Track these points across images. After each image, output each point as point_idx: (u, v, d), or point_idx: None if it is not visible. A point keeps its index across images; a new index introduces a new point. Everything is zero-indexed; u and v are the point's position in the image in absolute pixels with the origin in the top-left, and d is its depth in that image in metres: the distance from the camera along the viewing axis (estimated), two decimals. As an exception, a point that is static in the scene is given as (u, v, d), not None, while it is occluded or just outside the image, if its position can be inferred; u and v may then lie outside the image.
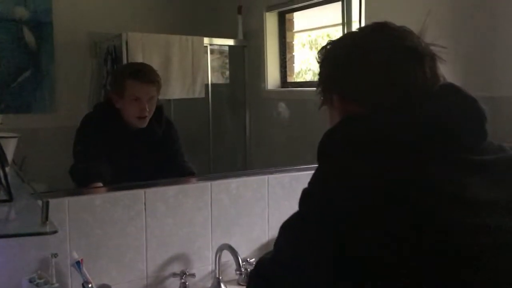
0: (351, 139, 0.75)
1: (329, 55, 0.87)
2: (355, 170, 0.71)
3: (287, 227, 0.78)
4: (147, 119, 1.75)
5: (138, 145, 1.77)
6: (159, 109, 1.79)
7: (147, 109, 1.73)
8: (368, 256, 0.65)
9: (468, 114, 0.77)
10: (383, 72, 0.79)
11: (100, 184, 1.52)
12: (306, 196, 0.75)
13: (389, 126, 0.74)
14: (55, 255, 1.24)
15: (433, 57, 0.81)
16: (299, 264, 0.73)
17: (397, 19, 0.86)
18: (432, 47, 0.81)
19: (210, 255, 1.51)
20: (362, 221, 0.67)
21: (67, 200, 1.30)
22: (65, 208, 1.30)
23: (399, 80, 0.78)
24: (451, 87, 0.80)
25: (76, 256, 1.27)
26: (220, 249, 1.45)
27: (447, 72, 0.84)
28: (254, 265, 0.90)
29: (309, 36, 2.77)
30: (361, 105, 0.80)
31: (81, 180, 1.60)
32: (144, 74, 1.76)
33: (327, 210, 0.70)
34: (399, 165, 0.70)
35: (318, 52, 0.90)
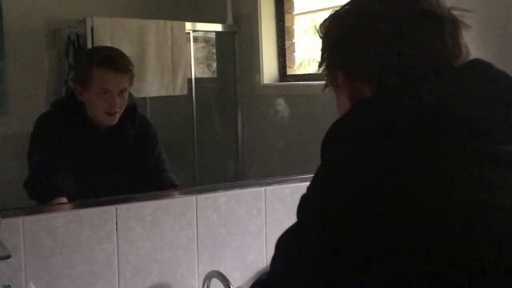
0: (359, 130, 0.76)
1: (332, 26, 0.89)
2: (362, 165, 0.71)
3: (284, 241, 0.79)
4: (117, 116, 1.74)
5: (107, 147, 1.77)
6: (132, 106, 1.79)
7: (118, 104, 1.72)
8: (379, 273, 0.66)
9: (501, 96, 0.76)
10: (394, 43, 0.80)
11: (64, 200, 1.52)
12: (305, 202, 0.76)
13: (400, 112, 0.74)
14: (7, 287, 1.23)
15: (455, 23, 0.81)
16: (299, 284, 0.73)
17: None
18: (453, 11, 0.82)
19: (196, 284, 1.51)
20: (372, 228, 0.67)
21: (21, 220, 1.30)
22: (19, 230, 1.29)
23: (412, 52, 0.79)
24: (479, 63, 0.80)
25: (33, 287, 1.26)
26: (208, 278, 1.45)
27: (473, 44, 0.83)
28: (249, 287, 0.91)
29: (312, 19, 2.78)
30: (369, 83, 0.82)
31: (39, 195, 1.60)
32: (115, 61, 1.75)
33: (330, 214, 0.70)
34: (412, 160, 0.70)
35: (320, 24, 0.91)
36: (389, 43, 0.80)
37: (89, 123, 1.74)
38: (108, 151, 1.77)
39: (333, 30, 0.88)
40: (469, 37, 0.83)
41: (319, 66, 0.91)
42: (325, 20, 0.91)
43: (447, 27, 0.80)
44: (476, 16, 0.86)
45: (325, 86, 0.92)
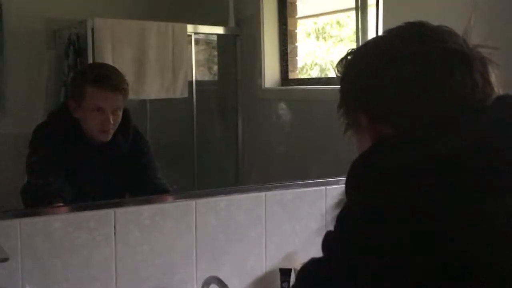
0: (388, 170, 0.73)
1: (352, 67, 0.86)
2: (400, 208, 0.69)
3: (307, 272, 0.77)
4: (111, 132, 1.77)
5: (101, 161, 1.80)
6: (125, 117, 1.81)
7: (111, 122, 1.74)
8: None
9: None
10: (419, 84, 0.77)
11: (61, 203, 1.52)
12: (331, 240, 0.74)
13: (439, 151, 0.71)
14: (3, 290, 1.23)
15: (483, 61, 0.79)
16: None
17: (432, 15, 0.84)
18: (480, 49, 0.79)
19: (195, 290, 1.51)
20: (410, 277, 0.66)
21: (18, 222, 1.30)
22: (16, 233, 1.29)
23: (440, 93, 0.77)
24: (509, 98, 0.78)
25: (29, 291, 1.26)
26: (207, 283, 1.44)
27: (502, 80, 0.81)
28: None
29: (315, 23, 2.79)
30: (394, 126, 0.79)
31: (37, 199, 1.60)
32: (109, 81, 1.77)
33: (363, 260, 0.69)
34: (454, 202, 0.68)
35: (337, 64, 0.88)
36: (415, 84, 0.78)
37: (83, 138, 1.76)
38: (101, 164, 1.80)
39: (353, 70, 0.86)
40: (497, 74, 0.81)
41: (339, 108, 0.88)
42: (342, 59, 0.88)
43: (476, 65, 0.77)
44: (504, 53, 0.84)
45: (346, 129, 0.88)
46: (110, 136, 1.77)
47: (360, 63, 0.85)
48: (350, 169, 0.78)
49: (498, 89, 0.80)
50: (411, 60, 0.78)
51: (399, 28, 0.85)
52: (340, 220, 0.74)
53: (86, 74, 1.91)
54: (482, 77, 0.78)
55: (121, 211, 1.42)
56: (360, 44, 2.20)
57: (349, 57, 0.87)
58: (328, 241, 0.75)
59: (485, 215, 0.67)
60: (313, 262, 0.77)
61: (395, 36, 0.83)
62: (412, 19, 0.85)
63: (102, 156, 1.79)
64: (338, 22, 2.70)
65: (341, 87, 0.88)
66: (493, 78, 0.79)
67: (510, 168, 0.71)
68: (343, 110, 0.87)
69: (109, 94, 1.76)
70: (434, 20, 0.84)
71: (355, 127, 0.86)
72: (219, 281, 1.40)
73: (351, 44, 2.49)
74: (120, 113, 1.78)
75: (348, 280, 0.70)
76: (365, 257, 0.68)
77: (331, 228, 0.76)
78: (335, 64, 0.90)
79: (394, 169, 0.73)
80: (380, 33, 1.81)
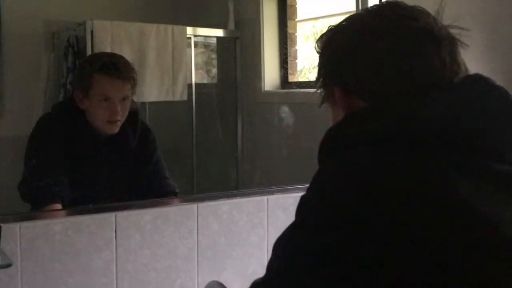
0: (358, 138, 0.77)
1: (329, 42, 0.89)
2: (365, 169, 0.72)
3: (279, 243, 0.79)
4: (119, 124, 1.72)
5: (107, 156, 1.75)
6: (134, 113, 1.77)
7: (119, 112, 1.70)
8: (372, 282, 0.67)
9: (499, 110, 0.77)
10: (392, 60, 0.81)
11: (59, 206, 1.51)
12: (304, 203, 0.76)
13: (403, 124, 0.75)
14: (3, 295, 1.22)
15: (452, 41, 0.82)
16: (293, 283, 0.74)
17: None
18: (451, 30, 0.83)
19: (196, 294, 1.50)
20: (370, 235, 0.68)
21: (18, 226, 1.29)
22: (16, 236, 1.28)
23: (410, 69, 0.80)
24: (477, 78, 0.81)
25: (29, 296, 1.26)
26: (208, 288, 1.44)
27: (470, 61, 0.84)
28: None
29: (314, 26, 2.79)
30: (367, 99, 0.82)
31: (34, 200, 1.58)
32: (117, 68, 1.72)
33: (329, 217, 0.71)
34: (415, 173, 0.71)
35: (317, 40, 0.92)
36: (387, 60, 0.81)
37: (90, 130, 1.72)
38: (108, 159, 1.76)
39: (330, 46, 0.89)
40: (467, 55, 0.85)
41: (316, 81, 0.92)
42: (322, 36, 0.92)
43: (445, 45, 0.81)
44: (472, 34, 0.87)
45: (322, 101, 0.93)
46: (117, 128, 1.72)
47: (337, 39, 0.88)
48: (323, 138, 0.82)
49: (466, 69, 0.83)
50: (384, 37, 0.82)
51: (375, 6, 0.90)
52: (312, 185, 0.77)
53: (94, 62, 1.84)
54: (450, 56, 0.81)
55: (122, 215, 1.40)
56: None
57: (328, 34, 0.91)
58: (302, 205, 0.77)
59: (450, 190, 0.70)
60: (284, 232, 0.78)
61: (371, 14, 0.88)
62: None
63: (109, 150, 1.75)
64: (337, 25, 2.70)
65: (319, 62, 0.92)
66: (460, 57, 0.83)
67: (471, 145, 0.74)
68: (320, 84, 0.91)
69: (117, 82, 1.71)
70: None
71: (330, 99, 0.90)
72: (220, 286, 1.39)
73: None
74: (128, 104, 1.73)
75: (322, 242, 0.71)
76: (336, 219, 0.70)
77: None
78: (315, 41, 0.93)
79: (364, 136, 0.77)
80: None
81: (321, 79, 0.91)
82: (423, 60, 0.80)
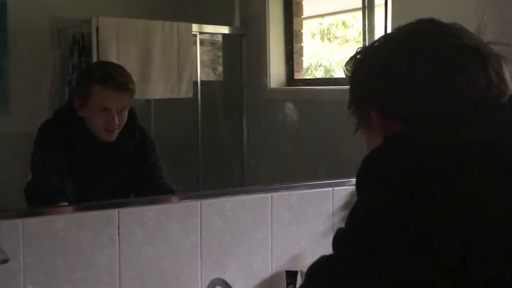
0: (402, 164, 0.73)
1: (362, 65, 0.85)
2: (410, 206, 0.68)
3: (317, 270, 0.76)
4: (117, 132, 1.77)
5: (106, 160, 1.79)
6: (131, 117, 1.80)
7: (117, 122, 1.73)
8: None
9: None
10: (435, 79, 0.77)
11: (65, 203, 1.51)
12: (343, 236, 0.73)
13: (453, 146, 0.71)
14: (5, 291, 1.22)
15: (497, 58, 0.78)
16: None
17: (441, 15, 0.83)
18: (494, 46, 0.79)
19: (199, 292, 1.49)
20: (422, 273, 0.65)
21: (21, 222, 1.29)
22: (18, 232, 1.28)
23: (455, 89, 0.76)
24: None
25: (32, 292, 1.25)
26: (212, 285, 1.43)
27: None
28: None
29: (320, 24, 2.78)
30: (408, 122, 0.78)
31: (40, 199, 1.59)
32: (116, 80, 1.76)
33: (369, 256, 0.68)
34: (456, 202, 0.67)
35: (347, 63, 0.88)
36: (429, 80, 0.77)
37: (89, 136, 1.75)
38: (106, 163, 1.79)
39: (363, 68, 0.85)
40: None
41: (349, 107, 0.87)
42: (351, 58, 0.87)
43: (490, 62, 0.77)
44: None
45: (357, 128, 0.88)
46: (115, 136, 1.76)
47: (370, 61, 0.84)
48: (362, 165, 0.78)
49: None
50: (424, 56, 0.78)
51: (410, 24, 0.84)
52: (353, 217, 0.73)
53: (93, 73, 1.89)
54: (497, 74, 0.77)
55: (125, 212, 1.41)
56: (367, 44, 2.18)
57: (358, 56, 0.87)
58: (340, 239, 0.74)
59: (498, 214, 0.66)
60: (323, 261, 0.75)
61: (406, 32, 0.83)
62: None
63: (107, 155, 1.78)
64: (343, 23, 2.69)
65: (350, 86, 0.87)
66: (507, 75, 0.78)
67: None
68: (353, 109, 0.87)
69: (115, 94, 1.75)
70: (443, 19, 0.82)
71: (365, 125, 0.86)
72: (224, 283, 1.39)
73: (356, 45, 2.49)
74: (126, 113, 1.77)
75: (359, 279, 0.68)
76: (379, 257, 0.67)
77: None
78: (344, 64, 0.89)
79: (409, 163, 0.72)
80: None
81: (354, 104, 0.86)
82: (469, 79, 0.76)
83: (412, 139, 0.75)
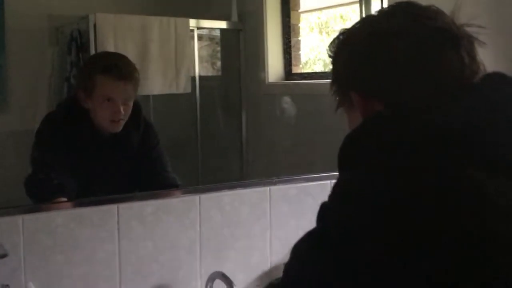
0: (382, 143, 0.75)
1: (343, 47, 0.88)
2: (390, 182, 0.70)
3: (300, 248, 0.77)
4: (122, 123, 1.74)
5: (111, 153, 1.77)
6: (136, 109, 1.78)
7: (122, 112, 1.71)
8: None
9: None
10: (410, 61, 0.79)
11: (64, 199, 1.51)
12: (326, 212, 0.75)
13: (433, 125, 0.73)
14: (6, 287, 1.22)
15: (470, 40, 0.81)
16: None
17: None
18: (467, 28, 0.82)
19: (199, 285, 1.50)
20: (395, 246, 0.66)
21: (21, 219, 1.29)
22: (18, 229, 1.29)
23: (431, 70, 0.79)
24: (497, 77, 0.80)
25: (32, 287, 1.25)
26: (211, 279, 1.44)
27: (487, 58, 0.83)
28: None
29: (319, 18, 2.78)
30: (385, 102, 0.81)
31: (40, 194, 1.59)
32: (120, 70, 1.73)
33: (350, 228, 0.69)
34: (439, 179, 0.69)
35: (330, 44, 0.91)
36: (406, 62, 0.80)
37: (93, 129, 1.74)
38: (111, 156, 1.77)
39: (344, 49, 0.88)
40: (484, 54, 0.84)
41: (331, 87, 0.91)
42: (335, 39, 0.90)
43: (463, 44, 0.80)
44: (489, 32, 0.86)
45: (338, 106, 0.91)
46: (120, 127, 1.74)
47: (352, 42, 0.87)
48: (343, 144, 0.80)
49: (484, 67, 0.82)
50: (402, 38, 0.80)
51: (389, 7, 0.87)
52: (336, 194, 0.75)
53: (96, 63, 1.87)
54: (469, 55, 0.80)
55: (124, 207, 1.41)
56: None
57: (341, 37, 0.90)
58: (322, 214, 0.75)
59: (479, 189, 0.68)
60: (306, 236, 0.77)
61: (385, 15, 0.86)
62: None
63: (112, 148, 1.77)
64: (341, 16, 2.69)
65: (333, 66, 0.91)
66: (479, 56, 0.82)
67: (497, 145, 0.72)
68: (335, 88, 0.90)
69: (120, 83, 1.72)
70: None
71: (346, 104, 0.89)
72: (223, 277, 1.39)
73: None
74: (131, 104, 1.75)
75: (340, 254, 0.70)
76: (357, 233, 0.69)
77: None
78: (327, 45, 0.92)
79: (386, 142, 0.74)
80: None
81: (336, 84, 0.90)
82: (443, 60, 0.79)
83: (389, 120, 0.77)
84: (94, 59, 2.14)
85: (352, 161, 0.77)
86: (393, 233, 0.67)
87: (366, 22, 0.89)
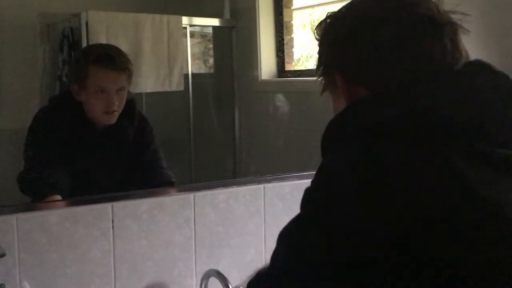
0: (364, 127, 0.76)
1: (330, 29, 0.89)
2: (370, 163, 0.71)
3: (285, 234, 0.78)
4: (116, 115, 1.73)
5: (105, 147, 1.76)
6: (131, 103, 1.78)
7: (116, 103, 1.70)
8: (379, 271, 0.66)
9: (502, 98, 0.77)
10: (393, 47, 0.80)
11: (58, 197, 1.51)
12: (309, 196, 0.76)
13: (404, 115, 0.74)
14: (1, 286, 1.22)
15: (454, 27, 0.82)
16: (300, 276, 0.73)
17: None
18: (452, 15, 0.82)
19: (194, 283, 1.50)
20: (377, 225, 0.67)
21: (15, 218, 1.29)
22: (13, 228, 1.28)
23: (413, 57, 0.80)
24: (479, 65, 0.81)
25: (27, 287, 1.25)
26: (206, 276, 1.44)
27: (471, 47, 0.84)
28: (247, 284, 0.91)
29: (311, 15, 2.78)
30: (368, 87, 0.82)
31: (34, 191, 1.59)
32: (112, 59, 1.72)
33: (334, 210, 0.71)
34: (417, 162, 0.71)
35: (316, 27, 0.91)
36: (389, 48, 0.81)
37: (87, 122, 1.73)
38: (106, 150, 1.76)
39: (330, 33, 0.88)
40: (468, 40, 0.84)
41: (316, 69, 0.92)
42: (321, 22, 0.91)
43: (446, 31, 0.80)
44: (474, 19, 0.86)
45: (323, 89, 0.92)
46: (114, 119, 1.73)
47: (337, 26, 0.88)
48: (326, 128, 0.81)
49: (467, 55, 0.83)
50: (385, 24, 0.81)
51: None
52: (316, 177, 0.76)
53: (88, 54, 1.86)
54: (452, 42, 0.81)
55: (118, 205, 1.41)
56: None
57: (328, 20, 0.90)
58: (306, 197, 0.77)
59: (457, 176, 0.69)
60: (291, 222, 0.78)
61: (371, 1, 0.87)
62: None
63: (107, 141, 1.75)
64: (334, 13, 2.69)
65: (319, 49, 0.91)
66: (462, 43, 0.82)
67: (472, 132, 0.73)
68: (321, 71, 0.91)
69: (113, 73, 1.72)
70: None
71: (331, 88, 0.90)
72: (218, 274, 1.40)
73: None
74: (125, 95, 1.74)
75: (323, 238, 0.71)
76: (342, 212, 0.70)
77: None
78: (314, 28, 0.92)
79: (367, 126, 0.76)
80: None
81: (321, 67, 0.90)
82: (425, 47, 0.80)
83: (371, 105, 0.79)
84: (86, 50, 2.14)
85: (333, 146, 0.79)
86: (374, 216, 0.68)
87: (353, 7, 0.89)
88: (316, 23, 0.93)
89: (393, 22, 0.81)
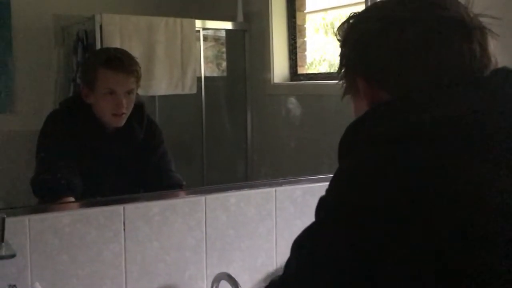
0: (379, 133, 0.74)
1: (353, 31, 0.86)
2: (386, 170, 0.70)
3: (299, 243, 0.78)
4: (125, 117, 1.76)
5: (114, 149, 1.78)
6: (140, 107, 1.80)
7: (124, 105, 1.74)
8: (401, 277, 0.65)
9: None
10: (419, 51, 0.78)
11: (71, 199, 1.52)
12: (324, 204, 0.75)
13: (430, 120, 0.72)
14: (12, 287, 1.22)
15: (483, 31, 0.79)
16: (312, 285, 0.73)
17: None
18: (481, 19, 0.80)
19: (205, 286, 1.50)
20: (396, 233, 0.66)
21: (27, 219, 1.30)
22: (25, 229, 1.29)
23: (439, 61, 0.77)
24: (504, 72, 0.79)
25: (39, 287, 1.26)
26: (217, 280, 1.44)
27: (500, 52, 0.82)
28: None
29: (324, 18, 2.77)
30: (391, 91, 0.80)
31: (46, 194, 1.60)
32: (121, 62, 1.77)
33: (352, 219, 0.69)
34: (438, 170, 0.69)
35: (339, 28, 0.89)
36: (415, 51, 0.78)
37: (96, 124, 1.75)
38: (115, 153, 1.79)
39: (353, 35, 0.86)
40: (497, 45, 0.82)
41: (338, 72, 0.89)
42: (344, 23, 0.89)
43: (475, 35, 0.78)
44: (504, 23, 0.85)
45: (344, 92, 0.90)
46: (123, 121, 1.76)
47: (361, 28, 0.86)
48: (344, 134, 0.80)
49: (496, 60, 0.80)
50: (411, 26, 0.79)
51: None
52: (332, 184, 0.75)
53: (98, 56, 1.94)
54: (481, 47, 0.78)
55: (130, 207, 1.41)
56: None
57: (350, 21, 0.88)
58: (320, 206, 0.76)
59: (475, 184, 0.67)
60: (305, 230, 0.77)
61: (397, 2, 0.84)
62: None
63: (116, 143, 1.78)
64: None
65: (341, 51, 0.89)
66: (491, 48, 0.80)
67: (499, 140, 0.71)
68: (343, 74, 0.89)
69: (121, 76, 1.76)
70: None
71: (353, 91, 0.88)
72: (229, 278, 1.39)
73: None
74: (133, 97, 1.77)
75: (341, 243, 0.70)
76: (356, 221, 0.69)
77: None
78: (336, 29, 0.90)
79: (385, 133, 0.74)
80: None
81: (343, 69, 0.88)
82: (453, 52, 0.77)
83: (392, 111, 0.76)
84: (96, 53, 2.17)
85: (350, 152, 0.77)
86: (392, 222, 0.67)
87: (377, 8, 0.87)
88: (330, 28, 0.91)
89: (419, 24, 0.78)
